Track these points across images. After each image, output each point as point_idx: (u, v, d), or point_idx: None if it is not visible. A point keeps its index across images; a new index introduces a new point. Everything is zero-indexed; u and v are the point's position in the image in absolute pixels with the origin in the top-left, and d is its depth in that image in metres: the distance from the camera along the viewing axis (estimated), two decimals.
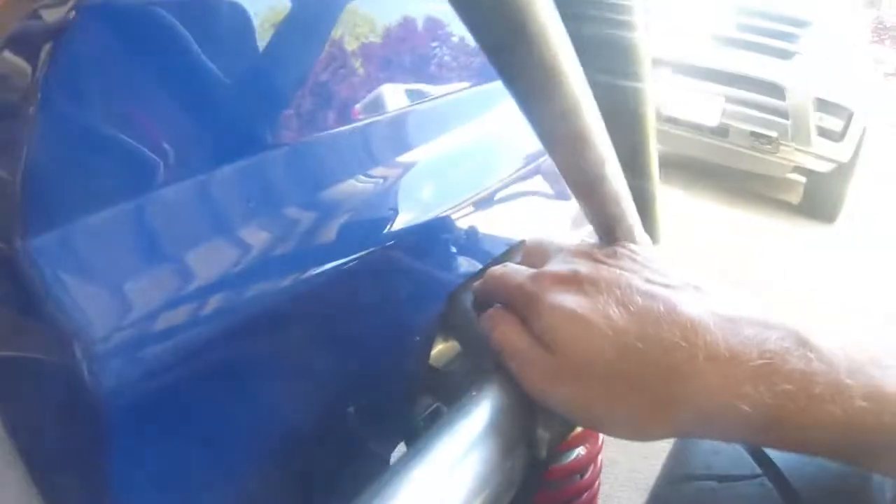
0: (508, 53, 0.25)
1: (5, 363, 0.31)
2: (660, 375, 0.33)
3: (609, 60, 0.46)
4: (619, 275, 0.36)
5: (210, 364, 0.35)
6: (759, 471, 0.37)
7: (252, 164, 0.40)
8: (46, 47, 0.31)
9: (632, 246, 0.40)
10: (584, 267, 0.38)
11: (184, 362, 0.33)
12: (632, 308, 0.34)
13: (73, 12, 0.31)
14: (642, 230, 0.44)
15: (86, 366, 0.29)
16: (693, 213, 4.05)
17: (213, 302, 0.35)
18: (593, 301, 0.35)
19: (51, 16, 0.33)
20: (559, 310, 0.36)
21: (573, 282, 0.37)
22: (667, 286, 0.36)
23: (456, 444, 0.32)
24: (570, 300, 0.36)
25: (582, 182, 0.35)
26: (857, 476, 0.36)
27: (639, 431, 0.35)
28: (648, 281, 0.36)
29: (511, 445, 0.34)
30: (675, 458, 0.42)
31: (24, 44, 0.33)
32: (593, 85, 0.46)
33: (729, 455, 0.39)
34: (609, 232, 0.40)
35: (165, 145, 0.35)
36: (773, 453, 0.39)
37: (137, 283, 0.32)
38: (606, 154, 0.33)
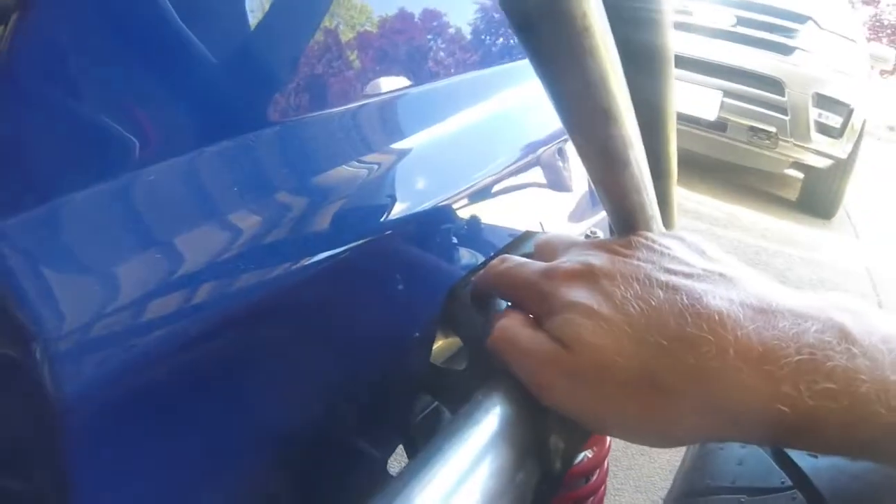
0: (537, 16, 0.21)
1: None
2: (687, 375, 0.29)
3: (633, 58, 0.44)
4: (636, 266, 0.33)
5: (188, 362, 0.32)
6: (789, 482, 0.35)
7: (237, 146, 0.37)
8: (12, 18, 0.28)
9: (648, 234, 0.36)
10: (598, 259, 0.34)
11: (157, 362, 0.30)
12: (653, 302, 0.31)
13: None
14: (661, 223, 0.41)
15: (46, 367, 0.26)
16: (689, 207, 4.03)
17: (192, 296, 0.32)
18: (610, 296, 0.32)
19: None
20: (574, 307, 0.32)
21: (587, 276, 0.34)
22: (689, 276, 0.32)
23: (461, 456, 0.29)
24: (585, 296, 0.32)
25: (604, 165, 0.32)
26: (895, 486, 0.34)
27: (666, 438, 0.32)
28: (669, 271, 0.33)
29: (522, 457, 0.31)
30: (694, 468, 0.39)
31: None
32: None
33: (755, 465, 0.36)
34: (627, 222, 0.37)
35: (139, 126, 0.33)
36: (803, 462, 0.36)
37: (106, 276, 0.29)
38: (633, 137, 0.30)
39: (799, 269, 3.40)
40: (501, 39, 0.68)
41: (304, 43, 0.43)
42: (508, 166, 0.58)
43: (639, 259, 0.34)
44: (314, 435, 0.43)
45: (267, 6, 0.40)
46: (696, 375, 0.29)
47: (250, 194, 0.36)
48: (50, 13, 0.29)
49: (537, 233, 0.61)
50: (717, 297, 0.31)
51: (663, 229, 0.40)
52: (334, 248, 0.39)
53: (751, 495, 0.34)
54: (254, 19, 0.39)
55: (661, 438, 0.32)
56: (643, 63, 0.45)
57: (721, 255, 0.36)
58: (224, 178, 0.36)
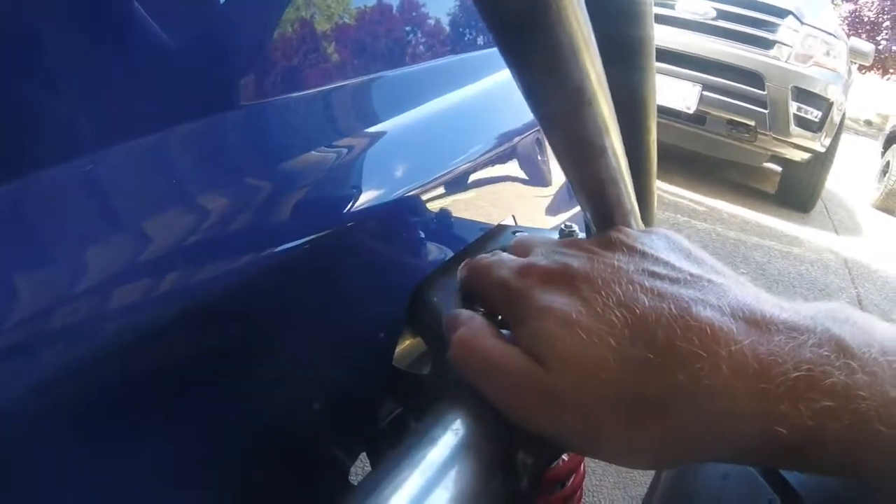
0: None
1: None
2: (677, 394, 0.27)
3: (615, 51, 0.43)
4: (617, 269, 0.30)
5: (129, 369, 0.29)
6: (778, 500, 0.32)
7: (186, 131, 0.35)
8: None
9: (629, 231, 0.34)
10: (576, 260, 0.31)
11: (87, 370, 0.27)
12: (637, 310, 0.28)
13: None
14: (640, 218, 0.38)
15: None
16: (668, 200, 4.04)
17: (130, 295, 0.29)
18: (590, 303, 0.29)
19: None
20: (549, 313, 0.29)
21: (564, 278, 0.31)
22: (675, 281, 0.30)
23: (418, 475, 0.26)
24: (561, 301, 0.29)
25: (577, 153, 0.29)
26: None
27: (653, 461, 0.29)
28: (653, 275, 0.30)
29: (486, 475, 0.28)
30: (675, 482, 0.37)
31: None
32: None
33: (741, 481, 0.34)
34: (604, 217, 0.34)
35: (74, 111, 0.30)
36: (792, 478, 0.34)
37: (35, 275, 0.27)
38: (609, 122, 0.27)
39: (778, 263, 3.42)
40: (476, 24, 0.65)
41: (273, 22, 0.41)
42: (481, 156, 0.56)
43: (619, 260, 0.31)
44: (271, 440, 0.41)
45: None
46: (687, 394, 0.27)
47: (197, 185, 0.34)
48: None
49: (510, 226, 0.58)
50: (707, 307, 0.28)
51: (642, 226, 0.38)
52: (292, 240, 0.37)
53: None
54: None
55: (647, 461, 0.29)
56: (624, 56, 0.43)
57: (705, 256, 0.33)
58: (166, 169, 0.33)
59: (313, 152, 0.41)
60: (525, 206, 0.65)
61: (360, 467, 0.58)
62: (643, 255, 0.31)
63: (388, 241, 0.45)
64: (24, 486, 0.26)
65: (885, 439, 0.25)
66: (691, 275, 0.30)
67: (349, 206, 0.41)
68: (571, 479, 0.57)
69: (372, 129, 0.47)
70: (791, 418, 0.25)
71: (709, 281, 0.30)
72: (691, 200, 4.21)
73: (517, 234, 0.54)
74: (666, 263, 0.31)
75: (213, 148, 0.36)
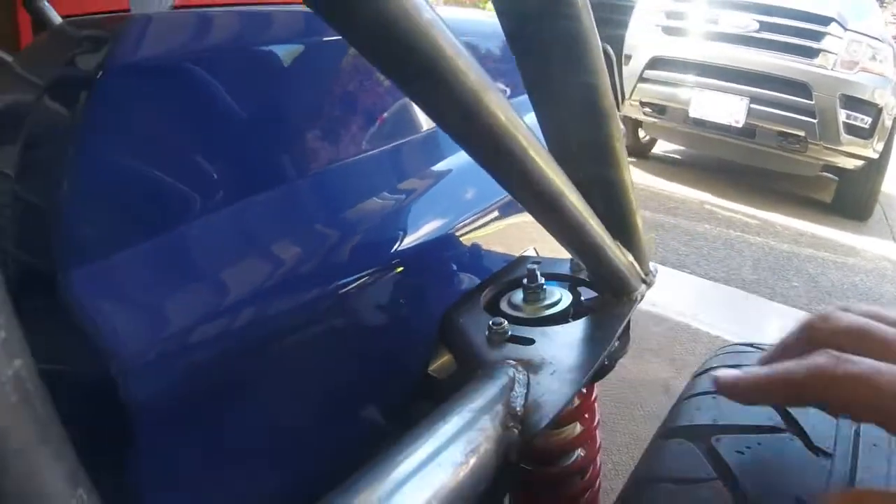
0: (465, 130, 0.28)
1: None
2: None
3: (562, 57, 0.46)
4: None
5: (233, 375, 0.40)
6: (714, 474, 0.40)
7: (267, 197, 0.45)
8: (82, 96, 0.36)
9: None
10: None
11: (207, 375, 0.38)
12: None
13: (103, 70, 0.37)
14: (636, 262, 0.46)
15: (120, 380, 0.33)
16: (721, 216, 4.02)
17: (234, 320, 0.40)
18: None
19: (85, 65, 0.38)
20: None
21: None
22: None
23: (435, 438, 0.37)
24: None
25: (564, 234, 0.38)
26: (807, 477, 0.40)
27: None
28: None
29: (478, 446, 0.38)
30: (645, 461, 0.46)
31: (62, 91, 0.38)
32: (551, 81, 0.48)
33: (690, 458, 0.42)
34: (598, 270, 0.43)
35: (185, 185, 0.41)
36: (730, 458, 0.41)
37: (166, 306, 0.37)
38: (581, 207, 0.36)
39: (832, 274, 3.37)
40: (503, 79, 0.74)
41: (321, 110, 0.51)
42: (503, 198, 0.64)
43: None
44: (330, 435, 0.50)
45: (292, 83, 0.48)
46: None
47: (280, 237, 0.44)
48: (117, 94, 0.37)
49: (530, 257, 0.67)
50: None
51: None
52: (353, 274, 0.46)
53: (678, 484, 0.40)
54: (278, 95, 0.47)
55: None
56: (571, 62, 0.46)
57: None
58: (256, 226, 0.43)
59: (366, 205, 0.51)
60: (544, 238, 0.73)
61: None
62: None
63: (427, 274, 0.55)
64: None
65: None
66: None
67: (397, 246, 0.51)
68: (589, 472, 0.65)
69: (409, 184, 0.56)
70: None
71: None
72: (744, 214, 4.16)
73: (535, 264, 0.64)
74: None
75: (288, 208, 0.46)
